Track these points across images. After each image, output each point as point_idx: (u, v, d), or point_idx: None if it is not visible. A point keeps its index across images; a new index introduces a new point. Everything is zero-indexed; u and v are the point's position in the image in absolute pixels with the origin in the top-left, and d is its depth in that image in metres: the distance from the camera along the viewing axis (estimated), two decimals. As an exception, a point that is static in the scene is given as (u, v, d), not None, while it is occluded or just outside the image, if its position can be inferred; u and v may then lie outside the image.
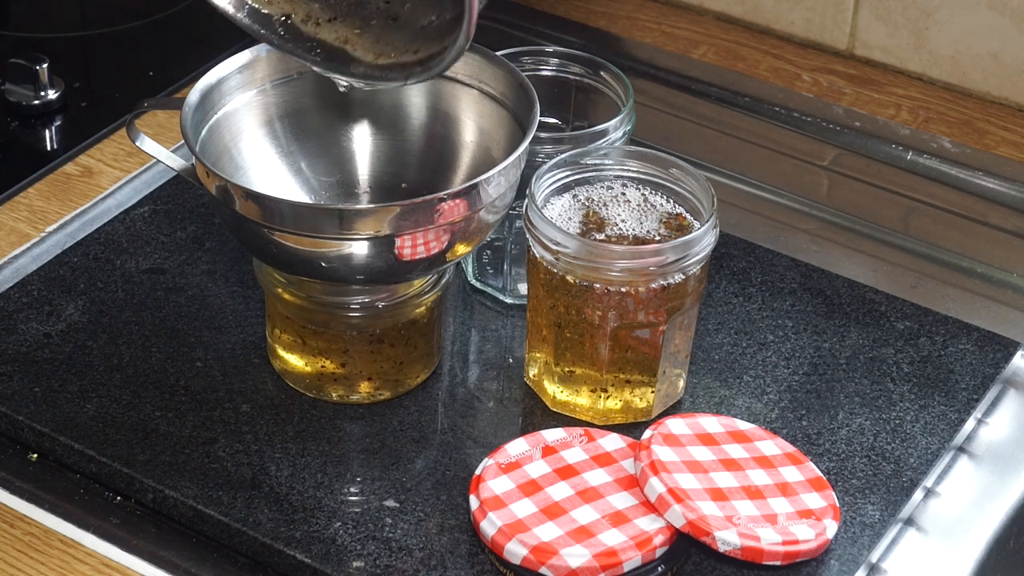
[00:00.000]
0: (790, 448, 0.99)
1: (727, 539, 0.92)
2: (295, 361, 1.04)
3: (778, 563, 0.93)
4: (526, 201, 1.01)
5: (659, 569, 0.93)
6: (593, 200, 1.04)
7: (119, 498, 1.00)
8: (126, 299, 1.11)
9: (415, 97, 1.10)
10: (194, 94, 1.03)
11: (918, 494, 1.00)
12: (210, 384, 1.05)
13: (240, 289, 1.12)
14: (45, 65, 1.27)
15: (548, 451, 0.98)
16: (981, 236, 1.19)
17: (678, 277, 0.99)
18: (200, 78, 1.04)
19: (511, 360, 1.08)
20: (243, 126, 1.07)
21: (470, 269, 1.14)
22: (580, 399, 1.03)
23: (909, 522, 0.99)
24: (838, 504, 0.97)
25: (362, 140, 1.11)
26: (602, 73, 1.14)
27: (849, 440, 1.02)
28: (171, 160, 1.05)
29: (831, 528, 0.95)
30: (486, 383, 1.07)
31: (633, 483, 0.96)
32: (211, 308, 1.11)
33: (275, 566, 0.95)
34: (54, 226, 1.18)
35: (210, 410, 1.03)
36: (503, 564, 0.93)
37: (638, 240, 1.01)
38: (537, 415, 1.04)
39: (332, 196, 1.09)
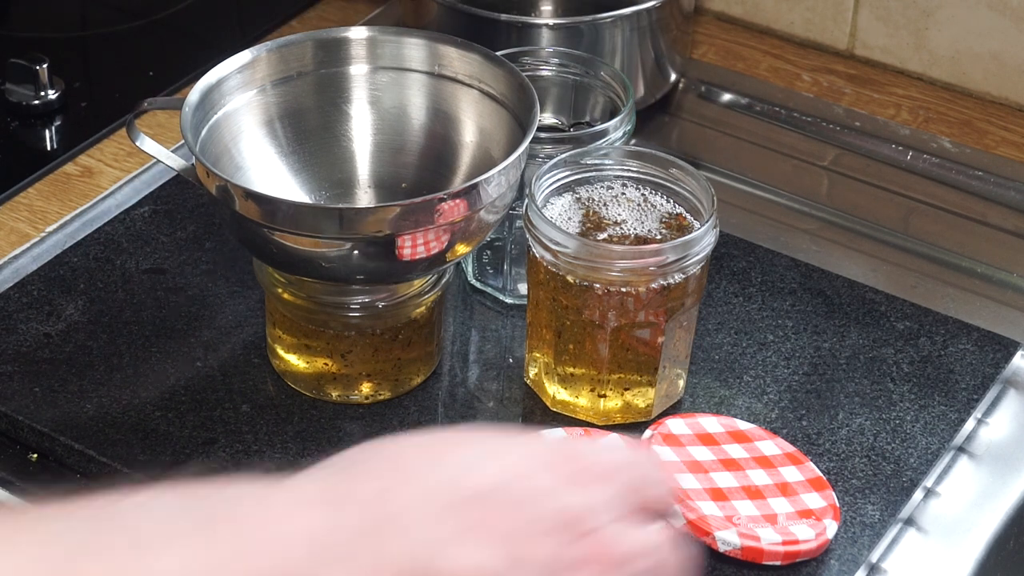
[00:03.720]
0: (790, 448, 0.99)
1: (727, 539, 0.92)
2: (295, 361, 1.04)
3: (778, 563, 0.93)
4: (526, 201, 1.01)
5: (659, 569, 0.92)
6: (593, 200, 1.04)
7: (119, 498, 1.00)
8: (126, 299, 1.11)
9: (415, 97, 1.10)
10: (194, 94, 1.03)
11: (918, 494, 1.00)
12: (210, 384, 1.05)
13: (240, 289, 1.12)
14: (45, 65, 1.27)
15: (548, 451, 0.98)
16: (981, 236, 1.19)
17: (678, 277, 0.99)
18: (200, 78, 1.04)
19: (511, 360, 1.08)
20: (243, 126, 1.07)
21: (470, 269, 1.14)
22: (580, 399, 1.03)
23: (909, 522, 0.99)
24: (838, 504, 0.97)
25: (362, 140, 1.10)
26: (602, 73, 1.14)
27: (849, 440, 1.02)
28: (171, 160, 1.05)
29: (831, 528, 0.95)
30: (486, 383, 1.07)
31: (633, 483, 0.96)
32: (211, 308, 1.11)
33: (275, 566, 0.95)
34: (54, 226, 1.18)
35: (210, 410, 1.03)
36: (503, 564, 0.93)
37: (638, 240, 1.01)
38: (537, 415, 1.04)
39: (332, 196, 1.09)
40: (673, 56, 1.29)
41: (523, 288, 1.11)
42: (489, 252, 1.13)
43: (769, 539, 0.92)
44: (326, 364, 1.04)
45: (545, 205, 1.03)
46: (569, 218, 1.02)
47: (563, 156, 1.04)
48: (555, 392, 1.04)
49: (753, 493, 0.95)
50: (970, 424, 1.04)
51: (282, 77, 1.08)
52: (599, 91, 1.14)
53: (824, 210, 1.22)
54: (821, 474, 0.98)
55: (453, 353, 1.09)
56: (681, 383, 1.05)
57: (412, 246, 0.97)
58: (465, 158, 1.08)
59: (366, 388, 1.04)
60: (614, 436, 0.99)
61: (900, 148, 1.26)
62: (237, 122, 1.06)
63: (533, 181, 1.02)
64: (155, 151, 1.05)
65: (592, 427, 1.01)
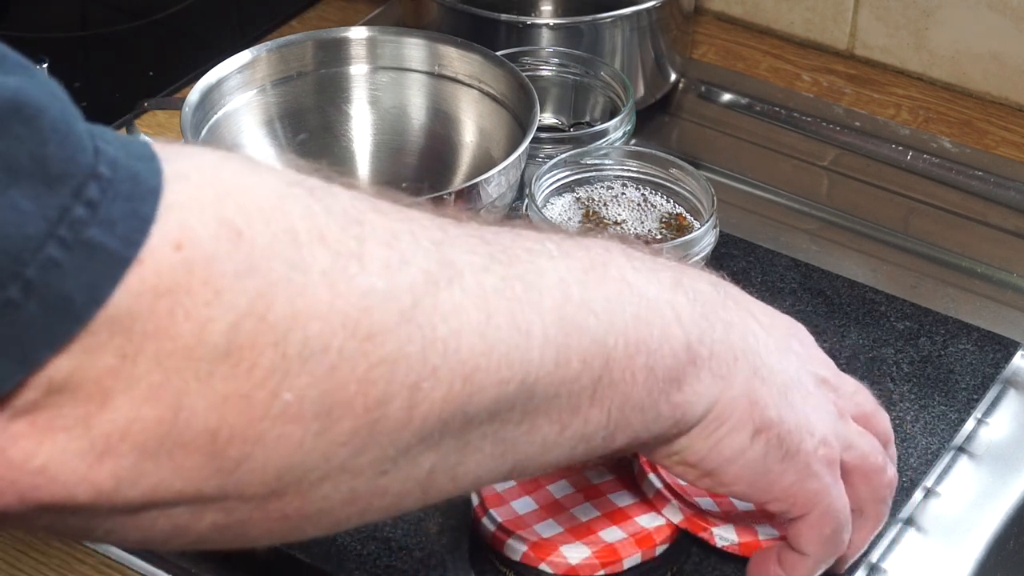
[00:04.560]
0: (790, 448, 0.99)
1: (725, 535, 0.92)
2: (295, 361, 1.04)
3: (778, 562, 0.93)
4: (526, 201, 1.01)
5: (659, 567, 0.92)
6: (593, 200, 1.04)
7: (119, 498, 0.99)
8: (126, 299, 1.11)
9: (415, 97, 1.10)
10: (194, 94, 1.03)
11: (918, 494, 1.00)
12: (210, 384, 1.05)
13: (240, 289, 1.12)
14: (45, 65, 1.27)
15: (548, 451, 0.97)
16: (981, 236, 1.19)
17: (678, 277, 0.99)
18: (200, 78, 1.04)
19: (511, 360, 1.08)
20: (243, 126, 1.07)
21: (470, 269, 1.14)
22: (580, 399, 1.03)
23: (909, 522, 0.99)
24: (838, 504, 0.96)
25: (362, 140, 1.11)
26: (602, 73, 1.14)
27: (849, 440, 1.02)
28: (171, 160, 1.05)
29: (831, 527, 0.95)
30: (486, 383, 1.07)
31: (634, 481, 0.96)
32: (211, 308, 1.10)
33: (275, 566, 0.95)
34: (54, 226, 1.18)
35: (210, 410, 1.03)
36: (503, 562, 0.93)
37: (638, 240, 1.01)
38: (537, 415, 1.04)
39: (332, 196, 1.09)
40: (673, 56, 1.29)
41: (523, 288, 1.11)
42: (489, 252, 1.13)
43: (767, 534, 0.92)
44: (326, 364, 1.03)
45: (545, 205, 1.03)
46: (569, 218, 1.02)
47: (563, 156, 1.04)
48: (555, 392, 1.04)
49: (753, 492, 0.95)
50: (970, 424, 1.04)
51: (282, 77, 1.08)
52: (599, 91, 1.14)
53: (824, 210, 1.22)
54: (821, 474, 0.98)
55: (453, 353, 1.09)
56: (681, 383, 1.05)
57: (412, 246, 0.97)
58: (465, 158, 1.08)
59: (366, 388, 1.04)
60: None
61: (900, 148, 1.26)
62: (237, 122, 1.07)
63: (533, 181, 1.02)
64: (155, 151, 1.05)
65: (592, 427, 1.01)
